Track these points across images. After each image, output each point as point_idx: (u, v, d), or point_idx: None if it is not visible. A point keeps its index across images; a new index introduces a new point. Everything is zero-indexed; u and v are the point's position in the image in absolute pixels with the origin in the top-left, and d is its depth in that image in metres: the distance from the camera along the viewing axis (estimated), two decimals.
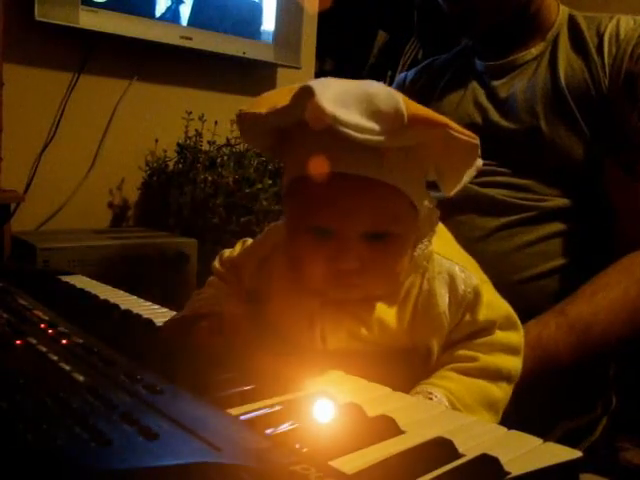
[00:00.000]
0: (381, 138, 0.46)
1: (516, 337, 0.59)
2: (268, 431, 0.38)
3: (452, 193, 0.56)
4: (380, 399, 0.47)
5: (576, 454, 0.38)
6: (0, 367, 0.44)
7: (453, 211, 0.84)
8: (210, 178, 1.75)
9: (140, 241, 1.64)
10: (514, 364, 0.58)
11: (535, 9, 0.93)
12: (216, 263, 0.68)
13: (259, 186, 1.74)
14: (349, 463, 0.34)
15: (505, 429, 0.42)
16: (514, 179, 0.89)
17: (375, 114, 0.46)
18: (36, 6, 1.61)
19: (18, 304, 0.63)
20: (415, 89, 1.07)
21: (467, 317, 0.56)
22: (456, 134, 0.49)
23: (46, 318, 0.58)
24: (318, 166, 0.49)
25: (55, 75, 1.78)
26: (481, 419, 0.49)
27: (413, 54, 2.08)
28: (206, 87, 2.10)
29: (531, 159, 0.89)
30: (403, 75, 1.15)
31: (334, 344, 0.56)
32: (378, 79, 0.52)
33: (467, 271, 0.57)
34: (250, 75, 2.16)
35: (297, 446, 0.36)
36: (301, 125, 0.49)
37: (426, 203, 0.56)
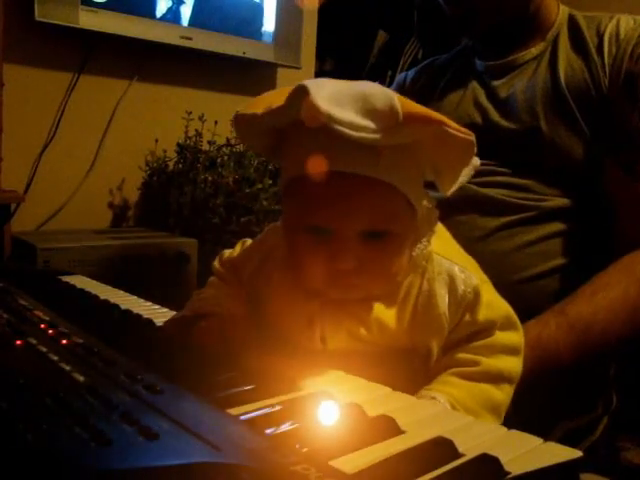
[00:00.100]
0: (376, 136, 0.46)
1: (516, 337, 0.59)
2: (268, 431, 0.38)
3: (449, 192, 0.56)
4: (380, 399, 0.47)
5: (577, 454, 0.38)
6: (0, 367, 0.44)
7: (453, 211, 0.84)
8: (210, 178, 1.75)
9: (140, 241, 1.64)
10: (515, 365, 0.58)
11: (535, 9, 0.93)
12: (216, 263, 0.68)
13: (259, 186, 1.74)
14: (349, 463, 0.34)
15: (505, 429, 0.42)
16: (514, 179, 0.89)
17: (370, 112, 0.46)
18: (36, 6, 1.61)
19: (18, 304, 0.63)
20: (415, 89, 1.07)
21: (467, 317, 0.56)
22: (452, 131, 0.49)
23: (46, 318, 0.58)
24: (315, 165, 0.49)
25: (55, 75, 1.78)
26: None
27: (413, 54, 2.08)
28: (206, 87, 2.10)
29: (531, 159, 0.89)
30: (403, 75, 1.15)
31: (334, 344, 0.56)
32: (378, 79, 0.53)
33: (467, 271, 0.57)
34: (250, 75, 2.16)
35: (297, 446, 0.36)
36: (297, 125, 0.49)
37: (425, 203, 0.56)
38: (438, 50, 1.14)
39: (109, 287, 0.86)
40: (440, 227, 0.60)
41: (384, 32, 2.74)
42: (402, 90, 1.09)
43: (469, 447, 0.37)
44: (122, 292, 0.82)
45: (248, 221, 1.72)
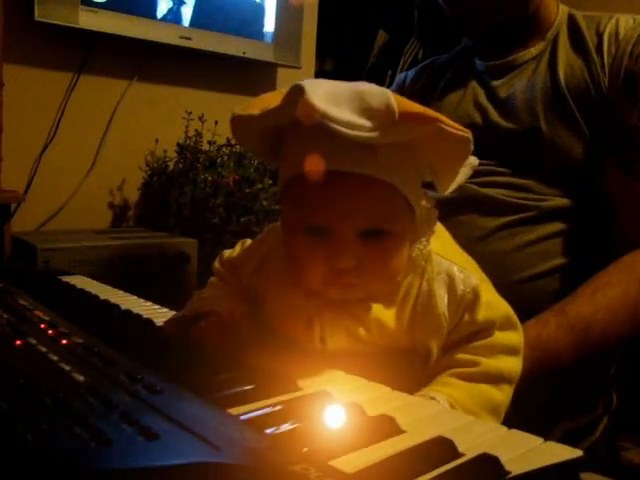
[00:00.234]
0: (373, 134, 0.46)
1: (516, 337, 0.59)
2: (268, 431, 0.38)
3: (447, 192, 0.56)
4: (380, 399, 0.47)
5: (577, 453, 0.38)
6: (0, 367, 0.44)
7: (453, 211, 0.84)
8: (210, 178, 1.75)
9: (140, 241, 1.64)
10: (514, 365, 0.58)
11: (535, 9, 0.93)
12: (216, 263, 0.68)
13: (259, 186, 1.74)
14: (349, 463, 0.34)
15: (505, 428, 0.42)
16: (514, 179, 0.89)
17: (366, 111, 0.46)
18: (36, 6, 1.61)
19: (18, 304, 0.63)
20: (415, 89, 1.07)
21: (466, 317, 0.56)
22: (448, 128, 0.49)
23: (46, 318, 0.58)
24: (312, 164, 0.49)
25: (55, 75, 1.78)
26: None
27: (413, 54, 2.08)
28: (206, 87, 2.10)
29: (531, 159, 0.89)
30: (403, 75, 1.15)
31: (333, 344, 0.56)
32: (378, 79, 0.53)
33: (466, 271, 0.57)
34: (250, 75, 2.16)
35: (297, 446, 0.36)
36: (294, 125, 0.49)
37: (423, 202, 0.56)
38: (438, 50, 1.14)
39: (109, 287, 0.86)
40: (439, 227, 0.60)
41: (384, 32, 2.74)
42: (402, 90, 1.09)
43: (469, 447, 0.37)
44: (122, 292, 0.82)
45: (248, 221, 1.72)
